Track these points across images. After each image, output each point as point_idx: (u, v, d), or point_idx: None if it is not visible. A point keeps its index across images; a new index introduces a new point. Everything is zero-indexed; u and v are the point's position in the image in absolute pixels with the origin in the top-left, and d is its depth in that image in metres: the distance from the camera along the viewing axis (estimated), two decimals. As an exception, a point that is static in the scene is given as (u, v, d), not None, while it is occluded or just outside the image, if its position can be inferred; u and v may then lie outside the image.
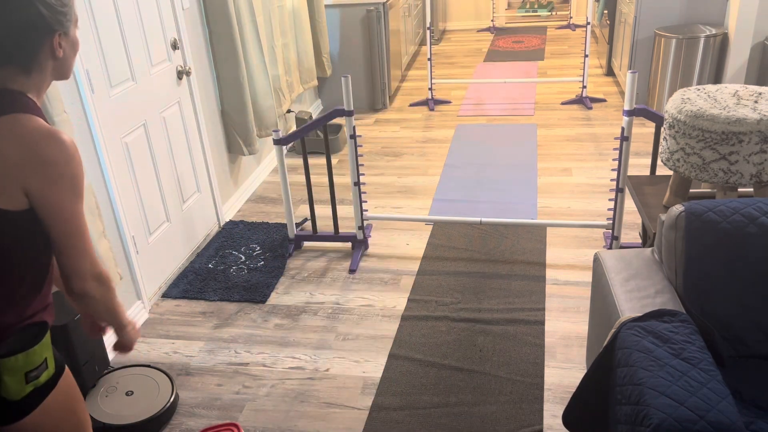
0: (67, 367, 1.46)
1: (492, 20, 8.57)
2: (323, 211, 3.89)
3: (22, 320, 1.34)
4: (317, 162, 4.63)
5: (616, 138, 3.01)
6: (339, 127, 4.87)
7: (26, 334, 1.33)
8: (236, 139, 3.85)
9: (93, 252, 1.32)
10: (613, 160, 3.35)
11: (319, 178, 4.36)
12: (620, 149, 2.86)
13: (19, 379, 1.30)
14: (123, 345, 1.52)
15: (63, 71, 1.37)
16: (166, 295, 3.14)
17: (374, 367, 2.59)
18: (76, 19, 1.36)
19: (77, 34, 1.37)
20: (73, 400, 1.45)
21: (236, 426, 2.27)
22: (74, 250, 1.29)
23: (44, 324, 1.38)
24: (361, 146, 4.86)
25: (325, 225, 3.71)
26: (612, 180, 4.03)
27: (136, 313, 2.93)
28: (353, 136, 3.13)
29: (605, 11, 6.12)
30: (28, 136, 1.22)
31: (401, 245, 3.46)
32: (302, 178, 4.39)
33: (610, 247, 3.16)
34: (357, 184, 3.25)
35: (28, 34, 1.26)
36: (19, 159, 1.21)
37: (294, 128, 4.98)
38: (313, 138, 4.72)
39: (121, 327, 1.47)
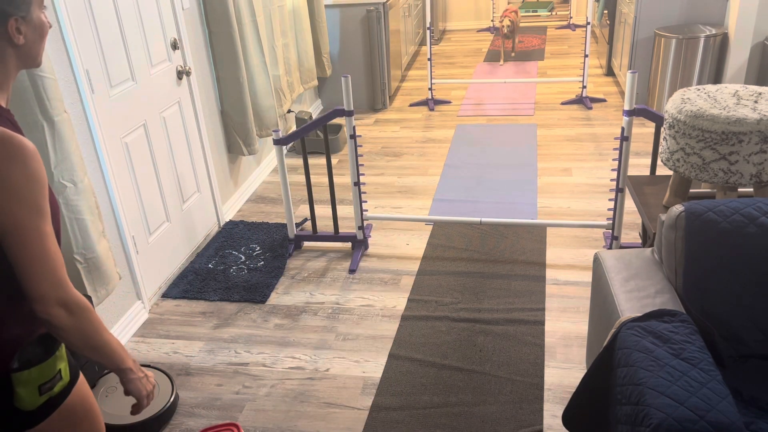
0: (81, 374, 1.44)
1: (492, 20, 8.57)
2: (323, 211, 3.89)
3: (31, 331, 1.30)
4: (317, 162, 4.63)
5: (616, 138, 3.01)
6: (339, 127, 4.87)
7: (39, 346, 1.29)
8: (236, 139, 3.85)
9: (60, 276, 1.19)
10: (613, 160, 3.35)
11: (319, 178, 4.36)
12: (620, 149, 2.86)
13: (32, 391, 1.28)
14: (130, 393, 1.37)
15: (29, 59, 1.25)
16: (166, 295, 3.14)
17: (374, 367, 2.59)
18: (41, 1, 1.24)
19: (43, 16, 1.25)
20: (86, 407, 1.43)
21: (236, 426, 2.27)
22: (33, 273, 1.16)
23: None
24: (361, 146, 4.86)
25: (325, 225, 3.71)
26: (612, 180, 4.03)
27: (136, 313, 2.93)
28: (353, 136, 3.13)
29: (605, 11, 6.12)
30: None
31: (401, 245, 3.46)
32: (302, 178, 4.39)
33: (610, 247, 3.16)
34: (357, 184, 3.25)
35: None
36: None
37: (294, 128, 4.98)
38: (313, 138, 4.72)
39: (117, 370, 1.34)
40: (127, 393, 1.37)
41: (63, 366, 1.33)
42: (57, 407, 1.34)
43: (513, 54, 7.05)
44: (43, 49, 1.26)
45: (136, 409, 1.41)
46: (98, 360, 1.29)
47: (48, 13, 2.34)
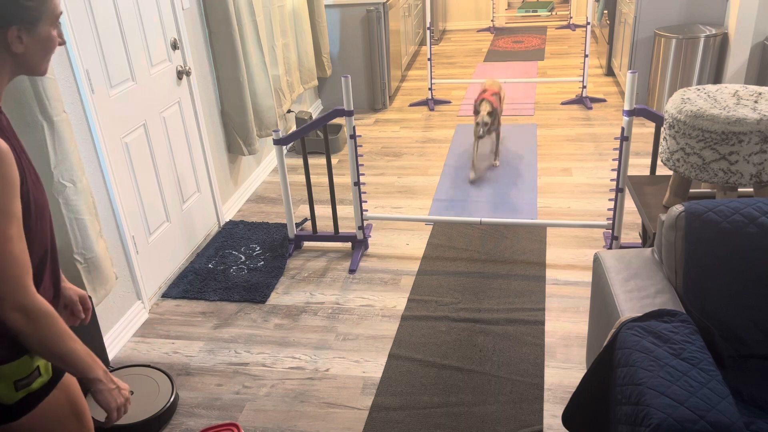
0: None
1: (492, 20, 8.57)
2: (323, 211, 3.89)
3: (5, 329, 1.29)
4: (317, 162, 4.63)
5: (616, 138, 3.01)
6: (339, 127, 4.87)
7: (16, 343, 1.29)
8: (236, 139, 3.85)
9: (22, 281, 1.18)
10: (613, 160, 3.35)
11: (319, 178, 4.36)
12: (620, 149, 2.86)
13: (8, 386, 1.29)
14: (99, 405, 1.34)
15: (28, 68, 1.25)
16: (166, 295, 3.14)
17: (374, 367, 2.59)
18: (55, 17, 1.24)
19: (53, 32, 1.25)
20: (73, 404, 1.43)
21: (236, 426, 2.27)
22: None
23: None
24: (361, 146, 4.86)
25: (325, 225, 3.71)
26: (612, 180, 4.03)
27: (136, 313, 2.93)
28: (353, 136, 3.13)
29: (605, 11, 6.12)
30: None
31: (401, 245, 3.46)
32: (302, 178, 4.39)
33: (610, 247, 3.16)
34: (357, 184, 3.25)
35: None
36: None
37: (294, 128, 4.98)
38: (313, 138, 4.72)
39: (85, 380, 1.31)
40: (98, 403, 1.36)
41: (42, 363, 1.33)
42: (39, 403, 1.34)
43: (497, 162, 4.32)
44: (48, 62, 1.27)
45: (106, 422, 1.39)
46: (64, 368, 1.28)
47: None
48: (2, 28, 1.18)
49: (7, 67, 1.23)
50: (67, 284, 1.57)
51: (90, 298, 2.37)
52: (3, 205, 1.14)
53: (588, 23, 5.29)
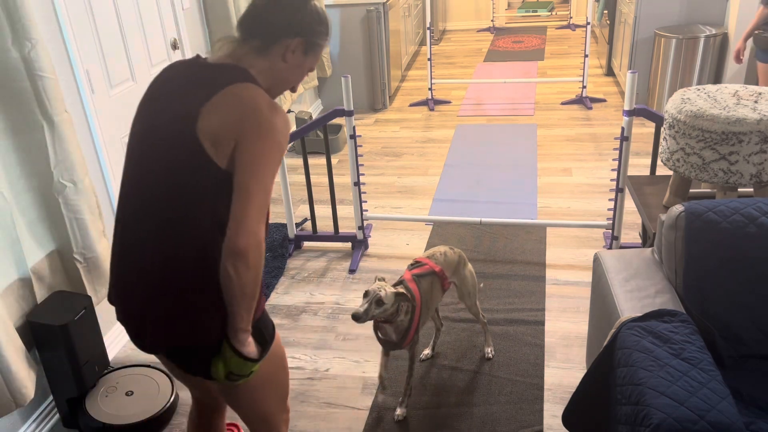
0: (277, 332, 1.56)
1: (492, 20, 8.57)
2: (323, 211, 3.89)
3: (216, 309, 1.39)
4: (317, 162, 4.63)
5: (616, 138, 3.00)
6: (339, 127, 4.87)
7: (259, 347, 1.44)
8: (236, 139, 3.85)
9: (258, 225, 1.29)
10: (613, 160, 3.35)
11: (319, 178, 4.36)
12: (620, 149, 2.86)
13: (223, 369, 1.40)
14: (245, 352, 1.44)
15: (283, 78, 1.43)
16: (166, 295, 3.14)
17: (374, 367, 2.59)
18: (320, 55, 1.46)
19: (314, 65, 1.47)
20: (280, 354, 1.61)
21: (236, 426, 2.27)
22: (240, 204, 1.28)
23: (265, 343, 1.47)
24: (361, 146, 4.86)
25: (325, 225, 3.71)
26: (612, 180, 4.03)
27: (136, 313, 2.92)
28: (353, 136, 3.13)
29: (605, 11, 6.12)
30: (253, 100, 1.32)
31: (401, 245, 3.46)
32: (302, 178, 4.39)
33: (610, 247, 3.16)
34: (357, 184, 3.25)
35: (278, 19, 1.39)
36: (240, 116, 1.30)
37: (294, 128, 4.98)
38: (313, 138, 4.72)
39: (242, 329, 1.38)
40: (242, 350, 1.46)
41: (257, 368, 1.44)
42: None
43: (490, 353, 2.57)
44: (297, 85, 1.49)
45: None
46: (232, 311, 1.38)
47: (48, 13, 2.34)
48: (295, 36, 1.40)
49: (276, 72, 1.42)
50: None
51: (90, 298, 2.38)
52: (277, 157, 1.33)
53: (588, 23, 5.29)
